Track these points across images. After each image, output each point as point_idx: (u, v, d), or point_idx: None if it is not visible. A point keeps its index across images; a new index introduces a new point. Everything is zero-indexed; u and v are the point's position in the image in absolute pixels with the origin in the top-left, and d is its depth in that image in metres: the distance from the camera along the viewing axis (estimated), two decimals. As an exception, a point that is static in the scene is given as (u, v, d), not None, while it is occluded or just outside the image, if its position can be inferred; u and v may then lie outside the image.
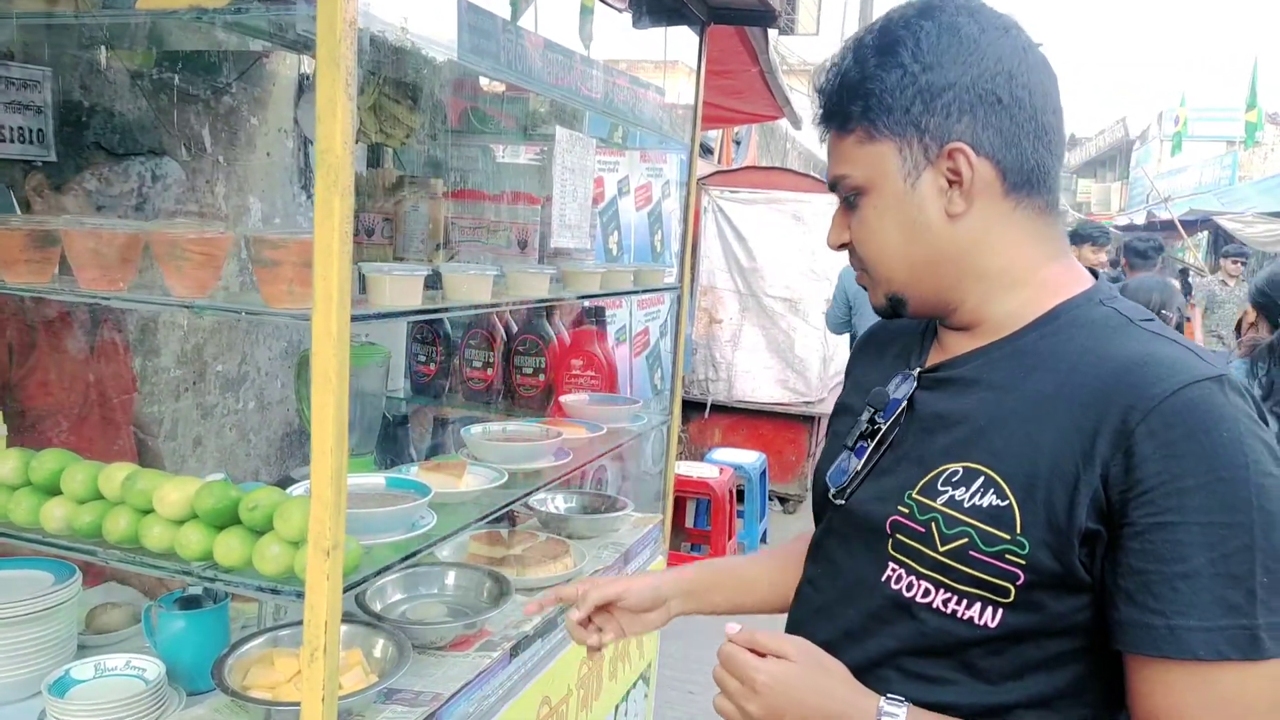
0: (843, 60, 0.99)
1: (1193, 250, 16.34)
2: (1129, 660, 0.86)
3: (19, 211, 2.10)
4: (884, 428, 1.02)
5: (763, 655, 0.94)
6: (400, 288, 1.29)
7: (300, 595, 1.13)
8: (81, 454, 1.42)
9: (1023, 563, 0.87)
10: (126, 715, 1.39)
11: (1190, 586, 0.80)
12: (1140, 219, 17.21)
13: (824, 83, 1.02)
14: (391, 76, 2.05)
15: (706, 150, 8.96)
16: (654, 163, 4.79)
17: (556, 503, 2.32)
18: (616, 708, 2.25)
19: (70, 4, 1.55)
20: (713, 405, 6.31)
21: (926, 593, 0.93)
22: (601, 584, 1.23)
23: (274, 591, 1.18)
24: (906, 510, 0.95)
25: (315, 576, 1.11)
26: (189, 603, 1.58)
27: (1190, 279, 16.09)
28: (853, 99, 0.97)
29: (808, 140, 13.91)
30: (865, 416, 1.04)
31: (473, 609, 1.73)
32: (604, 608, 1.22)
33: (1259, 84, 18.22)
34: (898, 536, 0.96)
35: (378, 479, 1.52)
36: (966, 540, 0.89)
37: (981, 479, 0.90)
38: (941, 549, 0.91)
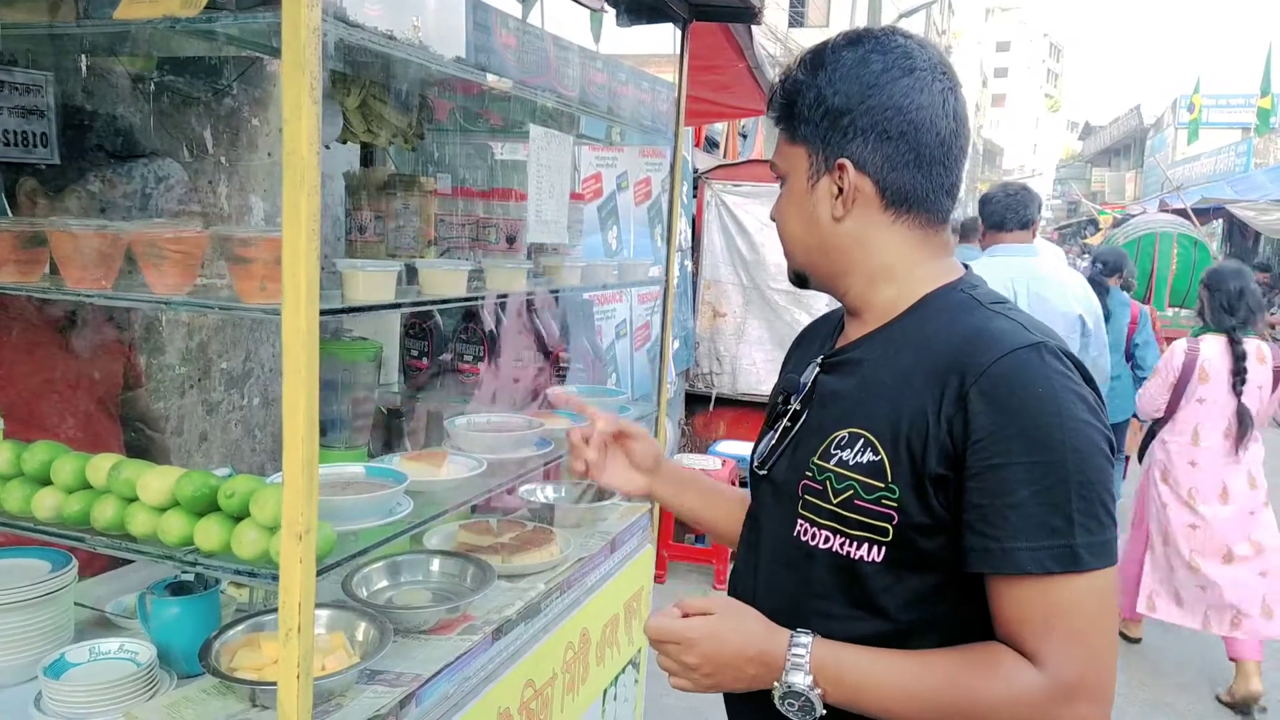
0: (795, 66, 1.17)
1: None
2: (986, 583, 1.02)
3: (9, 213, 2.14)
4: (794, 408, 1.20)
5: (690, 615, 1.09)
6: (373, 283, 1.34)
7: (275, 578, 1.18)
8: (79, 449, 1.48)
9: (895, 505, 1.03)
10: (117, 696, 1.45)
11: (1017, 515, 0.97)
12: (1154, 208, 17.10)
13: (777, 80, 1.20)
14: (378, 78, 2.09)
15: (712, 144, 8.99)
16: (653, 157, 4.82)
17: (546, 492, 2.37)
18: (605, 692, 2.30)
19: (61, 13, 1.61)
20: (717, 398, 6.34)
21: (826, 540, 1.10)
22: (626, 421, 1.44)
23: (251, 575, 1.24)
24: (810, 474, 1.12)
25: (289, 560, 1.16)
26: (180, 589, 1.64)
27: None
28: (786, 102, 1.16)
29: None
30: (780, 399, 1.24)
31: (456, 595, 1.78)
32: (618, 439, 1.42)
33: (1273, 70, 18.04)
34: (805, 498, 1.12)
35: (357, 468, 1.58)
36: (851, 492, 1.06)
37: (861, 440, 1.07)
38: (834, 500, 1.08)
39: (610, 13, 2.36)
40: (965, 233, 5.82)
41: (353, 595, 1.70)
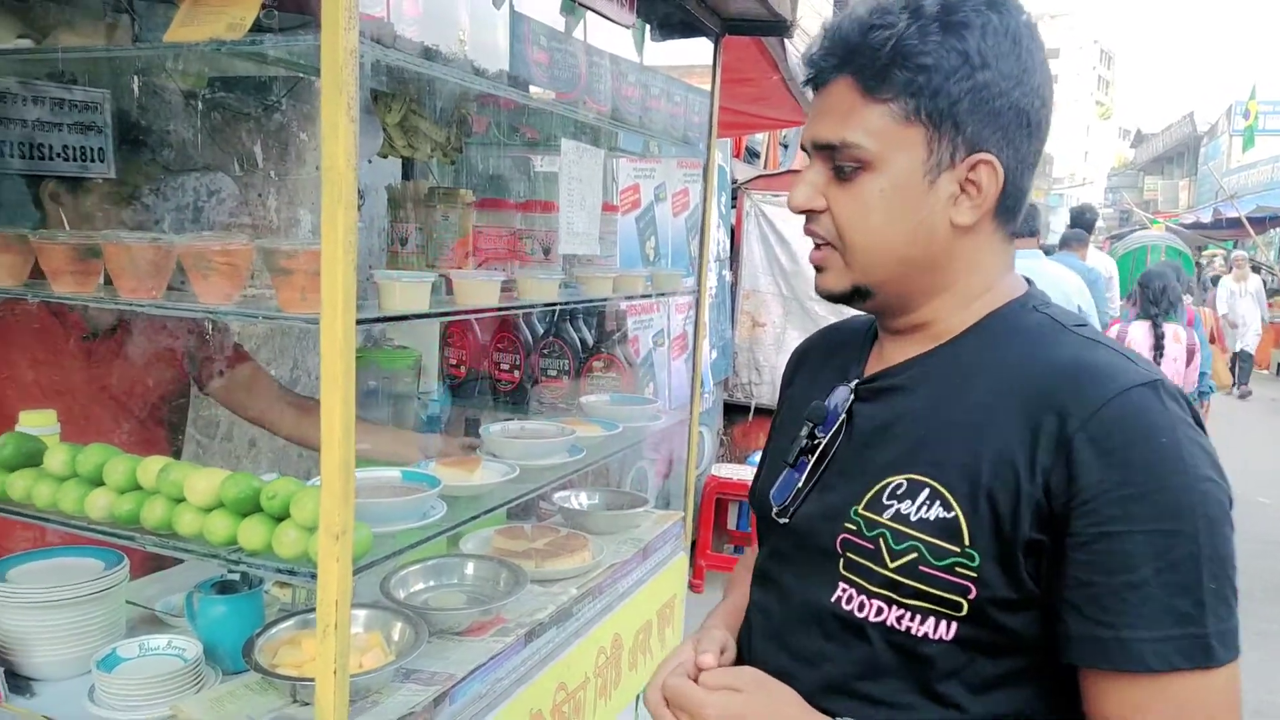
0: (898, 19, 0.89)
1: (1263, 249, 15.89)
2: (1083, 674, 0.84)
3: (40, 215, 2.21)
4: (824, 442, 1.00)
5: (712, 688, 0.92)
6: (409, 293, 1.39)
7: (314, 576, 1.23)
8: (130, 453, 1.54)
9: (974, 575, 0.85)
10: (165, 690, 1.52)
11: (1138, 596, 0.79)
12: (1207, 217, 16.76)
13: (867, 36, 0.90)
14: (418, 94, 2.16)
15: (752, 154, 9.00)
16: (691, 169, 4.86)
17: (579, 499, 2.41)
18: (638, 698, 2.33)
19: (117, 36, 1.68)
20: (756, 408, 6.35)
21: (879, 611, 0.91)
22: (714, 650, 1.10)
23: (291, 573, 1.29)
24: (854, 527, 0.93)
25: (326, 559, 1.21)
26: (226, 588, 1.70)
27: (1263, 276, 15.62)
28: (903, 65, 0.89)
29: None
30: (804, 431, 1.02)
31: (490, 598, 1.82)
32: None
33: (1332, 74, 17.61)
34: (848, 555, 0.94)
35: (393, 472, 1.63)
36: (916, 555, 0.87)
37: (927, 491, 0.88)
38: (891, 565, 0.89)
39: (639, 25, 2.41)
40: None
41: (390, 596, 1.75)
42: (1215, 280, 12.34)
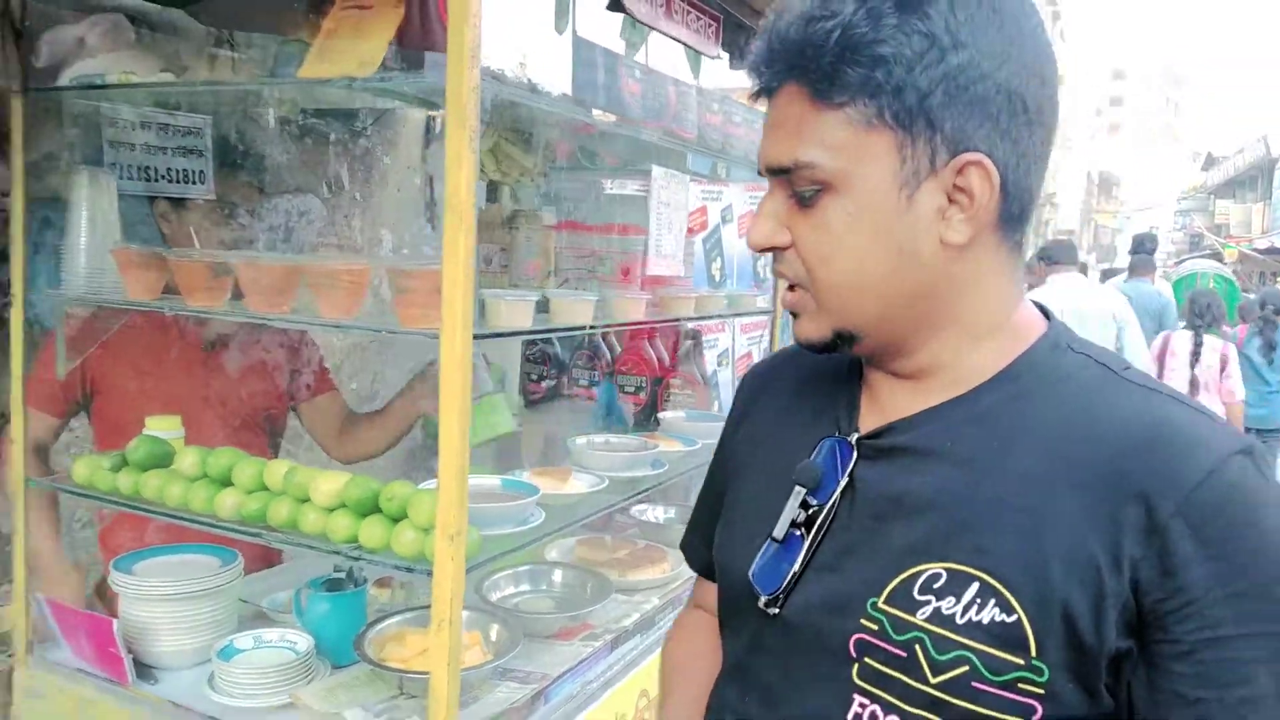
0: (843, 5, 0.73)
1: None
2: None
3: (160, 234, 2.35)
4: (822, 513, 0.81)
5: None
6: (514, 311, 1.48)
7: (429, 573, 1.32)
8: None
9: (1041, 693, 0.69)
10: (280, 680, 1.62)
11: (1255, 715, 0.66)
12: (1281, 240, 16.30)
13: (808, 30, 0.73)
14: (509, 122, 2.27)
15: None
16: (757, 191, 4.94)
17: (656, 513, 2.48)
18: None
19: (218, 68, 1.80)
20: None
21: None
22: None
23: (408, 570, 1.38)
24: (875, 626, 0.75)
25: (442, 558, 1.30)
26: (333, 586, 1.80)
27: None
28: (855, 60, 0.72)
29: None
30: (795, 500, 0.82)
31: (577, 604, 1.90)
32: None
33: None
34: (867, 661, 0.76)
35: (494, 480, 1.72)
36: (967, 668, 0.70)
37: (976, 586, 0.71)
38: (934, 680, 0.72)
39: (724, 57, 2.49)
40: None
41: (484, 599, 1.84)
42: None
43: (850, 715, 0.76)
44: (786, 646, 0.81)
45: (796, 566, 0.80)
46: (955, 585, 0.72)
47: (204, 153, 2.93)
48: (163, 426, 1.75)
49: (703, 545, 1.04)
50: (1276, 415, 6.17)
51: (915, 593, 0.73)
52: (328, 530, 1.42)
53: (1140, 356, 4.91)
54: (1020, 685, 0.69)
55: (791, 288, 0.81)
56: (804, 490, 0.81)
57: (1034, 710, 0.69)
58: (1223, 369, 5.54)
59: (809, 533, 0.80)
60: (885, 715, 0.74)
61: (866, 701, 0.75)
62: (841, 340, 0.79)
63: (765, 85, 0.78)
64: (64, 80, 1.55)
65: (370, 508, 1.42)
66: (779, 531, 0.82)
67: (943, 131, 0.73)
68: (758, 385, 1.01)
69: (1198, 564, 0.67)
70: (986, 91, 0.73)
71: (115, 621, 1.65)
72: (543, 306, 1.67)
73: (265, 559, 2.21)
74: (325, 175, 3.68)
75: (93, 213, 1.68)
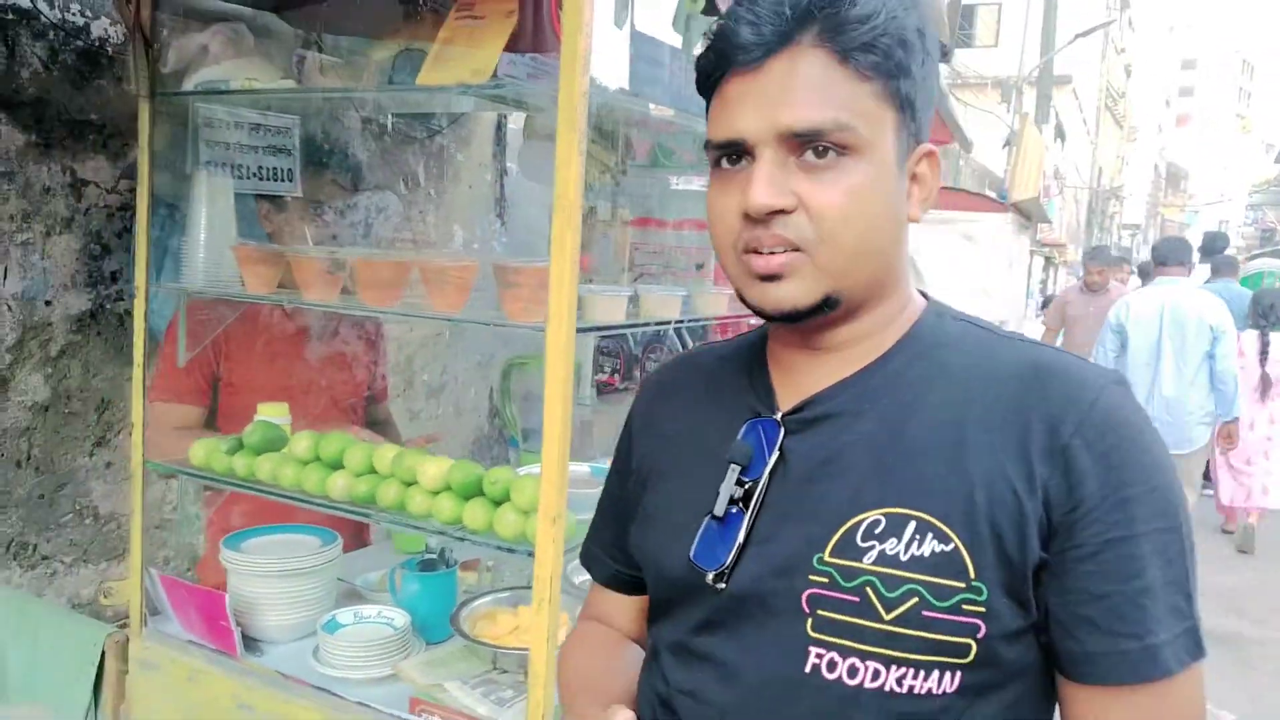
0: None
1: None
2: (1087, 691, 0.78)
3: (264, 230, 2.46)
4: (759, 487, 0.85)
5: None
6: (609, 305, 1.55)
7: (530, 554, 1.40)
8: None
9: (983, 610, 0.76)
10: (381, 653, 1.71)
11: (1152, 601, 0.75)
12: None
13: (855, 2, 0.78)
14: (593, 121, 2.34)
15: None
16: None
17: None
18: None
19: (364, 80, 1.88)
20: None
21: (876, 674, 0.78)
22: None
23: (510, 550, 1.46)
24: (825, 579, 0.79)
25: (543, 539, 1.37)
26: (426, 566, 1.89)
27: None
28: (890, 38, 0.78)
29: (981, 158, 13.56)
30: (732, 478, 0.85)
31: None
32: None
33: None
34: (820, 614, 0.80)
35: (583, 467, 1.79)
36: (917, 600, 0.76)
37: (914, 524, 0.78)
38: (888, 617, 0.77)
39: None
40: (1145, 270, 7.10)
41: (570, 582, 1.91)
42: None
43: (808, 668, 0.80)
44: (737, 618, 0.84)
45: (741, 538, 0.84)
46: (894, 527, 0.78)
47: (292, 151, 3.04)
48: (273, 413, 1.85)
49: (607, 556, 1.06)
50: None
51: (859, 540, 0.79)
52: (433, 511, 1.50)
53: (1231, 368, 4.78)
54: (964, 606, 0.76)
55: (773, 253, 0.81)
56: (739, 468, 0.86)
57: (978, 628, 0.76)
58: None
59: (747, 507, 0.84)
60: (844, 659, 0.79)
61: (823, 651, 0.79)
62: (826, 305, 0.82)
63: (775, 41, 0.78)
64: (188, 86, 1.66)
65: (474, 491, 1.50)
66: (719, 509, 0.85)
67: (917, 120, 0.83)
68: (658, 392, 1.04)
69: (1094, 477, 0.75)
70: (932, 92, 0.84)
71: (226, 596, 1.76)
72: (633, 301, 1.73)
73: (358, 540, 2.31)
74: (402, 173, 3.79)
75: (211, 210, 1.79)
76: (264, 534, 1.96)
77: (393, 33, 1.93)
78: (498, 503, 1.48)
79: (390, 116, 3.50)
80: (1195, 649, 0.77)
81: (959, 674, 0.77)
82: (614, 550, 1.05)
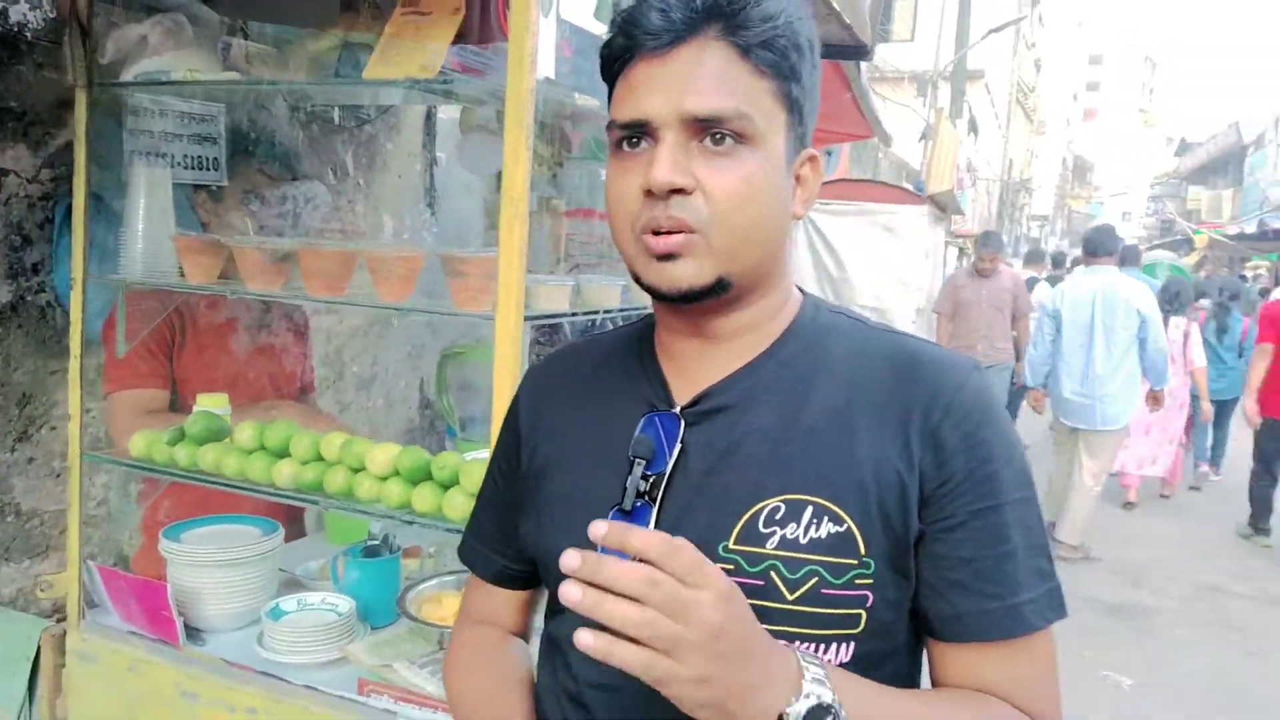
0: None
1: (1186, 267, 15.83)
2: (956, 650, 0.85)
3: (199, 222, 2.43)
4: (663, 481, 0.86)
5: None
6: (554, 295, 1.60)
7: (479, 536, 1.44)
8: None
9: (871, 583, 0.82)
10: (327, 638, 1.74)
11: (1014, 564, 0.82)
12: (1252, 228, 16.65)
13: (758, 2, 0.83)
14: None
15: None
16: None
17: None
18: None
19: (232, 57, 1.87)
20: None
21: None
22: None
23: (459, 533, 1.49)
24: (731, 566, 0.83)
25: (492, 521, 1.42)
26: (370, 553, 1.92)
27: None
28: (789, 44, 0.83)
29: (898, 151, 13.91)
30: (638, 472, 0.86)
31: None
32: None
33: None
34: None
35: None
36: (817, 579, 0.81)
37: (811, 509, 0.83)
38: (791, 597, 0.82)
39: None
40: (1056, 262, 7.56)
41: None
42: (1264, 293, 12.20)
43: None
44: None
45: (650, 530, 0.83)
46: (793, 512, 0.83)
47: (218, 140, 2.99)
48: (213, 404, 1.85)
49: (493, 552, 1.05)
50: (1234, 388, 6.98)
51: (760, 527, 0.83)
52: (381, 496, 1.53)
53: (1162, 347, 5.10)
54: (856, 581, 0.82)
55: (669, 233, 0.83)
56: (644, 462, 0.87)
57: (867, 599, 0.82)
58: (1185, 342, 6.32)
59: (653, 499, 0.86)
60: None
61: None
62: (719, 286, 0.84)
63: (684, 30, 0.82)
64: (127, 76, 1.64)
65: (422, 475, 1.53)
66: (628, 503, 0.86)
67: (804, 125, 0.87)
68: (544, 385, 1.03)
69: (961, 454, 0.83)
70: (816, 103, 0.89)
71: (169, 586, 1.76)
72: (575, 290, 1.78)
73: (295, 531, 2.32)
74: (331, 162, 3.76)
75: (149, 201, 1.78)
76: (203, 525, 1.95)
77: (328, 24, 1.94)
78: (446, 486, 1.52)
79: (315, 104, 3.46)
80: (1058, 608, 0.84)
81: (852, 644, 0.83)
82: (500, 546, 1.04)
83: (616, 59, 0.86)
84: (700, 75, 0.81)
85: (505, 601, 1.07)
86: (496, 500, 1.05)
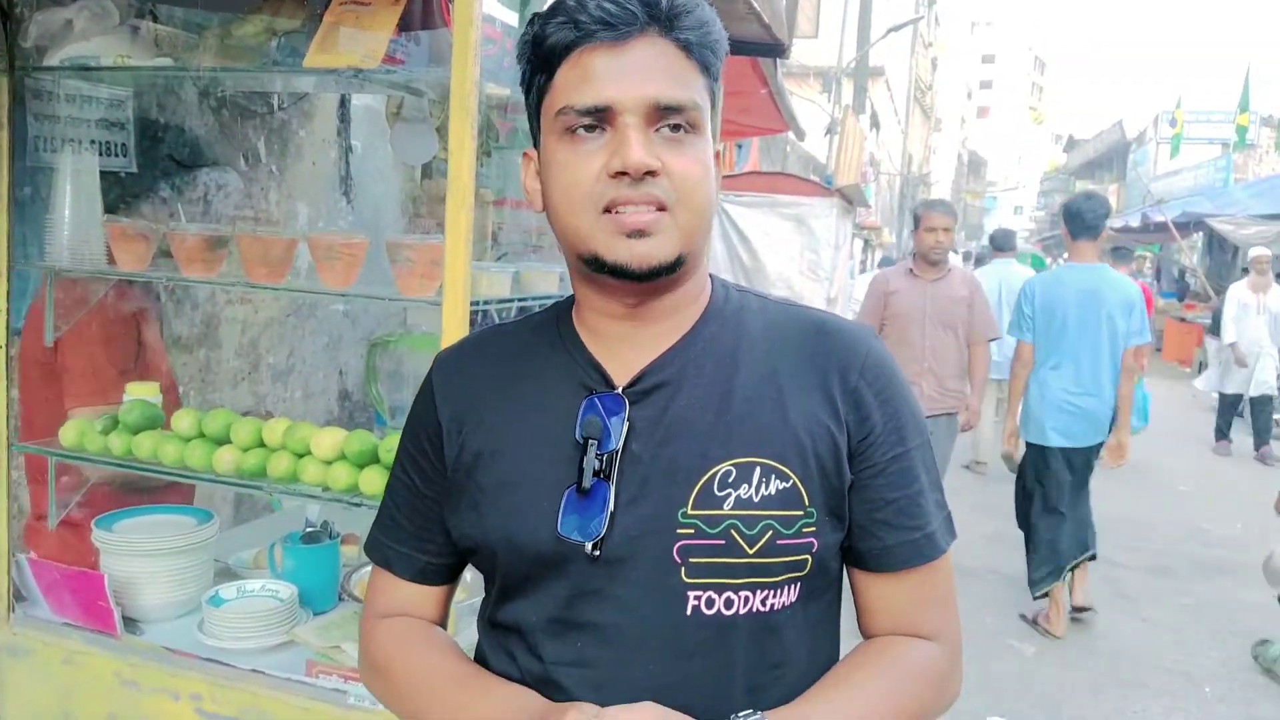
0: None
1: (1187, 252, 16.71)
2: (884, 578, 0.97)
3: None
4: (616, 458, 0.91)
5: None
6: (495, 281, 1.64)
7: (427, 515, 1.48)
8: None
9: (815, 529, 0.91)
10: (270, 623, 1.75)
11: (924, 500, 0.96)
12: (1135, 221, 17.54)
13: (696, 6, 0.90)
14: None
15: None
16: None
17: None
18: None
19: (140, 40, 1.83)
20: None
21: (746, 601, 0.91)
22: None
23: (407, 513, 1.53)
24: (691, 530, 0.89)
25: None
26: (309, 540, 1.93)
27: (1188, 279, 16.43)
28: (717, 43, 0.92)
29: (809, 147, 14.22)
30: (592, 452, 0.91)
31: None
32: None
33: (1251, 88, 18.54)
34: (691, 561, 0.89)
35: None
36: (771, 532, 0.90)
37: (759, 469, 0.90)
38: (751, 551, 0.89)
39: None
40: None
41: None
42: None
43: (689, 610, 0.89)
44: (613, 581, 0.90)
45: (611, 507, 0.89)
46: (744, 474, 0.90)
47: (126, 125, 2.92)
48: (143, 392, 1.83)
49: (413, 550, 1.03)
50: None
51: (715, 490, 0.90)
52: (328, 480, 1.56)
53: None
54: (803, 530, 0.91)
55: (644, 211, 0.87)
56: (595, 443, 0.91)
57: (812, 544, 0.92)
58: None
59: (609, 477, 0.90)
60: (720, 595, 0.90)
61: (700, 592, 0.89)
62: (678, 263, 0.89)
63: (637, 24, 0.87)
64: (53, 61, 1.61)
65: (369, 459, 1.56)
66: (586, 482, 0.90)
67: (716, 122, 0.95)
68: (455, 378, 1.01)
69: (877, 409, 0.94)
70: (720, 104, 0.97)
71: (106, 576, 1.74)
72: (514, 278, 1.83)
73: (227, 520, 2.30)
74: (243, 149, 3.69)
75: (75, 187, 1.75)
76: (138, 515, 1.94)
77: (249, 9, 1.92)
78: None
79: (226, 91, 3.38)
80: (953, 530, 1.00)
81: (799, 584, 0.93)
82: (421, 543, 1.03)
83: (566, 46, 0.88)
84: (661, 67, 0.87)
85: (426, 597, 1.05)
86: (414, 499, 1.03)
